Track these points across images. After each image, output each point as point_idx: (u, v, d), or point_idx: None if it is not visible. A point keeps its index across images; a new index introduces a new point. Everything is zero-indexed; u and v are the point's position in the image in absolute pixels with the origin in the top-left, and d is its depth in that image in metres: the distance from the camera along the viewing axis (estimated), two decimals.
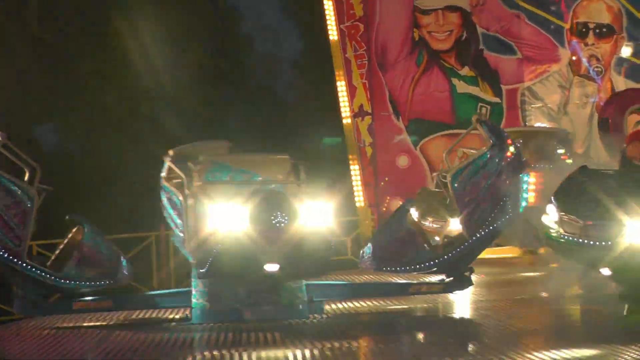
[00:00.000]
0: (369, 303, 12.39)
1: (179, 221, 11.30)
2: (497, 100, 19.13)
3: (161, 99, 25.87)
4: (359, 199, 18.51)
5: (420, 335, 10.51)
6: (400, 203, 13.15)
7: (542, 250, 14.14)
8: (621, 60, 18.27)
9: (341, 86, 19.39)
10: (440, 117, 19.03)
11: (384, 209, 17.86)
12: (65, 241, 11.80)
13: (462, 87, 19.22)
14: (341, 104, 19.37)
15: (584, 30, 18.59)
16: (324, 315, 11.37)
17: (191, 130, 25.43)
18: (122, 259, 11.89)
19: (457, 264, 11.76)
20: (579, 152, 15.80)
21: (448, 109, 19.17)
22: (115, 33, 26.09)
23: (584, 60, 18.38)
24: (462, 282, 11.62)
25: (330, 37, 19.52)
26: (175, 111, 25.90)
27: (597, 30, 18.51)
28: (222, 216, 10.74)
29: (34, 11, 26.87)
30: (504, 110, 19.01)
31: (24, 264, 10.76)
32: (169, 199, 11.61)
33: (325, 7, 19.51)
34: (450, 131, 18.51)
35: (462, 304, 13.02)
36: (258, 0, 43.11)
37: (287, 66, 33.44)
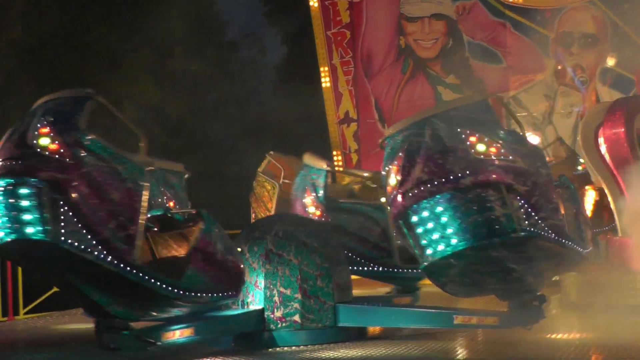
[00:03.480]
0: None
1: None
2: None
3: (145, 105, 25.84)
4: None
5: None
6: None
7: None
8: (606, 71, 18.31)
9: (327, 93, 19.51)
10: None
11: None
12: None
13: (447, 95, 19.23)
14: (327, 111, 19.50)
15: (568, 40, 18.65)
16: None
17: (175, 137, 25.51)
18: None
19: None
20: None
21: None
22: (98, 38, 26.16)
23: (569, 69, 18.46)
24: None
25: (317, 44, 19.64)
26: (159, 117, 25.90)
27: (582, 40, 18.57)
28: None
29: (17, 15, 26.99)
30: None
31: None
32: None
33: (312, 13, 19.64)
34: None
35: None
36: (243, 7, 43.25)
37: (272, 72, 33.56)
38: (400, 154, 8.80)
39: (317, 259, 10.27)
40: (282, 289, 10.02)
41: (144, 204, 8.96)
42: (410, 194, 8.44)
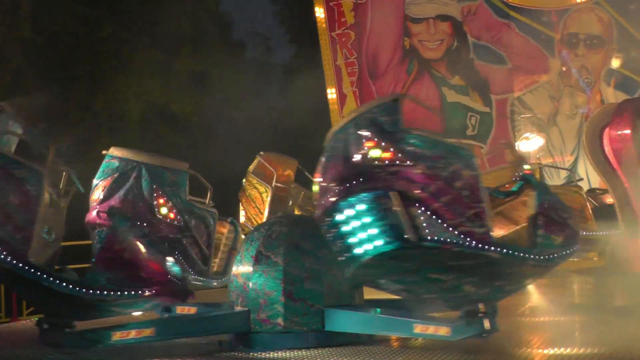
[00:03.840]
0: None
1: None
2: (486, 110, 19.26)
3: (152, 104, 25.85)
4: None
5: None
6: None
7: None
8: (611, 72, 18.26)
9: (331, 94, 19.55)
10: (429, 125, 18.55)
11: None
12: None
13: (452, 96, 19.36)
14: (331, 112, 19.51)
15: (574, 41, 18.65)
16: None
17: (183, 136, 25.50)
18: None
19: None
20: (568, 162, 16.02)
21: (438, 118, 18.77)
22: (107, 37, 26.27)
23: (574, 71, 18.45)
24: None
25: (322, 45, 19.68)
26: (165, 116, 25.93)
27: (588, 42, 18.56)
28: None
29: (27, 14, 26.76)
30: (494, 120, 19.15)
31: None
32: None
33: (317, 14, 19.73)
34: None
35: None
36: (250, 7, 43.33)
37: (278, 72, 33.55)
38: (321, 159, 8.96)
39: (306, 261, 9.88)
40: (267, 291, 9.98)
41: (40, 207, 9.23)
42: (319, 203, 8.54)
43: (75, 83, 26.08)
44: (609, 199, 13.45)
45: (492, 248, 8.30)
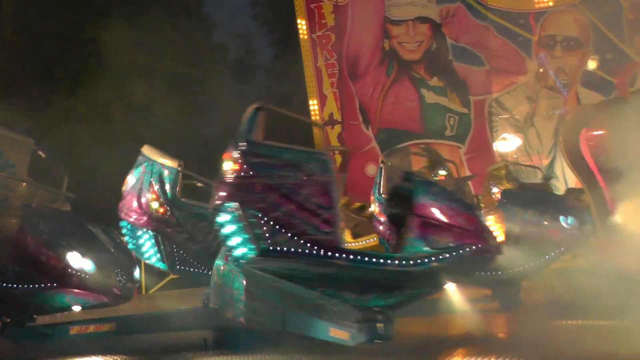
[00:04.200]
0: None
1: None
2: (465, 110, 19.32)
3: (135, 105, 25.84)
4: None
5: None
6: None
7: None
8: (587, 73, 18.39)
9: (312, 94, 19.61)
10: (409, 126, 19.21)
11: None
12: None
13: (431, 97, 19.40)
14: (312, 112, 19.54)
15: (551, 43, 18.76)
16: None
17: (165, 137, 25.53)
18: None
19: None
20: (544, 163, 15.93)
21: (417, 118, 19.37)
22: (89, 39, 26.12)
23: (551, 72, 18.57)
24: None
25: (302, 46, 19.73)
26: (148, 118, 25.95)
27: (565, 43, 18.67)
28: None
29: (8, 15, 26.67)
30: (472, 121, 19.23)
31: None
32: None
33: (297, 16, 19.73)
34: (419, 140, 18.68)
35: None
36: (231, 9, 43.33)
37: (259, 74, 33.70)
38: None
39: None
40: (233, 290, 9.91)
41: None
42: None
43: (57, 84, 26.05)
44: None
45: (338, 255, 8.61)
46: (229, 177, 8.52)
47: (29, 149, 12.65)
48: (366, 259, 8.82)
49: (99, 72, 25.35)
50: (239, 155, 8.88)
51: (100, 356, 9.92)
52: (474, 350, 8.57)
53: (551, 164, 14.74)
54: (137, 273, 11.21)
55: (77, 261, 10.35)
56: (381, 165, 12.59)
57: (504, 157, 17.13)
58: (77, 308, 10.74)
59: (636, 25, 17.78)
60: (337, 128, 19.43)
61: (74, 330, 10.71)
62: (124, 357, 9.77)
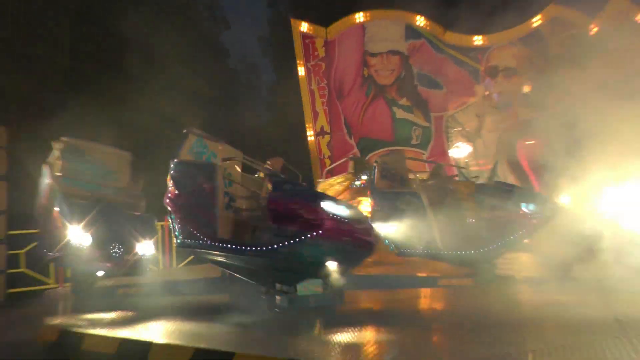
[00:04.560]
0: None
1: None
2: (427, 124, 19.31)
3: (168, 118, 25.51)
4: None
5: None
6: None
7: None
8: (524, 95, 18.39)
9: (307, 111, 19.51)
10: (383, 136, 19.24)
11: None
12: None
13: (400, 113, 19.41)
14: (307, 125, 19.50)
15: (494, 71, 18.90)
16: None
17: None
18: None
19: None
20: (488, 166, 15.28)
21: (389, 130, 19.35)
22: (123, 60, 25.48)
23: (495, 95, 18.68)
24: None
25: (299, 73, 19.62)
26: (172, 129, 25.71)
27: (505, 72, 18.80)
28: None
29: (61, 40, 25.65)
30: (432, 133, 19.23)
31: None
32: None
33: (295, 49, 19.64)
34: (391, 147, 18.79)
35: None
36: (243, 42, 43.22)
37: (265, 94, 33.79)
38: None
39: None
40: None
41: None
42: None
43: (88, 100, 25.52)
44: None
45: (216, 244, 9.44)
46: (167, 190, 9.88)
47: (127, 161, 13.03)
48: (230, 246, 9.49)
49: (144, 92, 24.55)
50: (169, 174, 10.09)
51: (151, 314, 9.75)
52: (439, 320, 8.61)
53: (495, 166, 14.76)
54: None
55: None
56: (375, 164, 12.91)
57: (457, 161, 16.98)
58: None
59: (561, 57, 17.59)
60: (327, 138, 19.32)
61: None
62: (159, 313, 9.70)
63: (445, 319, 8.89)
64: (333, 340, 7.48)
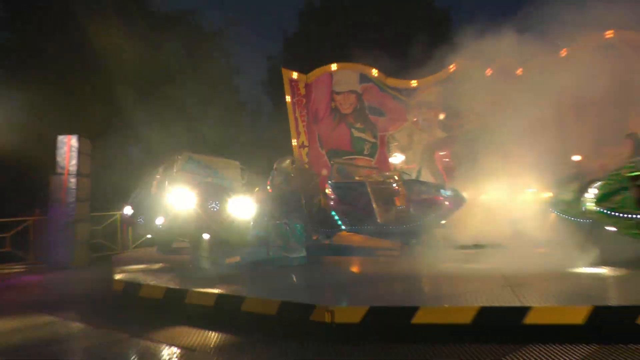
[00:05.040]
0: None
1: None
2: (375, 141, 19.49)
3: (188, 137, 24.39)
4: None
5: None
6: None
7: None
8: (440, 121, 18.71)
9: (292, 131, 19.80)
10: (344, 148, 19.45)
11: None
12: None
13: (356, 133, 19.61)
14: (292, 141, 19.75)
15: (420, 104, 19.17)
16: None
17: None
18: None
19: None
20: (414, 167, 15.17)
21: (349, 144, 19.57)
22: (163, 98, 24.84)
23: (420, 120, 19.02)
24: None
25: (287, 105, 19.86)
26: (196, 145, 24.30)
27: (427, 105, 19.02)
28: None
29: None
30: (378, 146, 19.41)
31: None
32: None
33: (285, 88, 19.85)
34: (350, 156, 18.90)
35: None
36: (249, 84, 43.17)
37: (264, 119, 33.97)
38: None
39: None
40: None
41: None
42: None
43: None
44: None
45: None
46: None
47: (236, 167, 12.32)
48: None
49: (169, 118, 24.31)
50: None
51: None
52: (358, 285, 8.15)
53: (420, 169, 14.86)
54: None
55: None
56: (332, 164, 13.47)
57: (395, 166, 17.03)
58: None
59: (465, 95, 17.92)
60: (306, 149, 19.59)
61: None
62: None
63: (378, 276, 8.59)
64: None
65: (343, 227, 11.53)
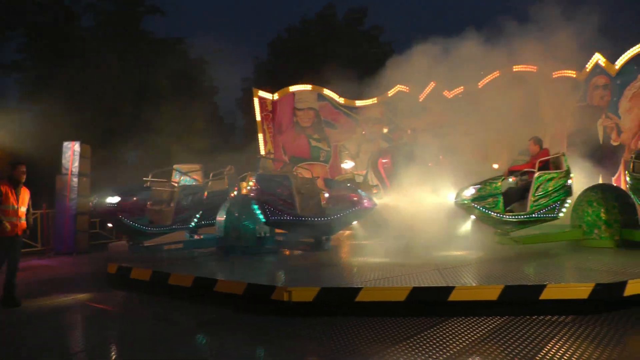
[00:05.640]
0: None
1: None
2: (329, 149, 19.49)
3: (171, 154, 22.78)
4: None
5: None
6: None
7: None
8: (383, 134, 18.79)
9: (261, 141, 19.61)
10: (303, 156, 19.33)
11: None
12: None
13: (314, 143, 19.56)
14: (261, 149, 19.56)
15: (366, 120, 19.30)
16: None
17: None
18: None
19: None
20: (363, 173, 15.40)
21: (307, 152, 19.47)
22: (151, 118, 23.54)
23: (367, 133, 19.07)
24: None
25: (257, 119, 19.69)
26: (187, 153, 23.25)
27: (372, 120, 19.15)
28: None
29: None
30: (331, 154, 19.41)
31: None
32: None
33: (255, 105, 19.70)
34: (307, 163, 18.76)
35: None
36: (226, 101, 42.86)
37: (239, 132, 33.85)
38: None
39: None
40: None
41: None
42: None
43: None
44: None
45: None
46: None
47: (200, 170, 12.52)
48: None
49: (160, 129, 23.09)
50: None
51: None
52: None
53: (366, 173, 14.93)
54: None
55: None
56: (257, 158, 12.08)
57: (345, 171, 17.03)
58: None
59: (402, 113, 18.15)
60: (272, 156, 19.30)
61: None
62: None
63: (326, 263, 8.41)
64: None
65: (262, 219, 10.08)
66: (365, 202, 10.31)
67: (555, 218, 8.66)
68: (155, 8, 28.39)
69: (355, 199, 10.20)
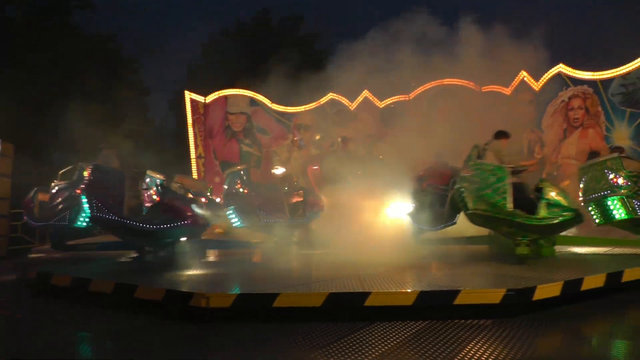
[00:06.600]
0: None
1: None
2: (260, 154, 19.41)
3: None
4: None
5: None
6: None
7: None
8: (314, 141, 18.85)
9: (192, 144, 19.44)
10: (234, 160, 19.06)
11: None
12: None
13: (245, 148, 19.45)
14: (191, 152, 19.39)
15: (298, 126, 19.23)
16: None
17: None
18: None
19: None
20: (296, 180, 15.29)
21: (238, 157, 19.31)
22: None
23: (298, 140, 19.01)
24: None
25: (188, 122, 19.53)
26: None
27: (304, 127, 19.10)
28: None
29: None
30: (263, 160, 19.31)
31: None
32: None
33: (186, 108, 19.55)
34: (241, 167, 17.79)
35: None
36: (157, 103, 41.74)
37: (168, 137, 33.02)
38: None
39: None
40: None
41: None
42: None
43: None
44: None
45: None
46: None
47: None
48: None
49: (87, 129, 22.32)
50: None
51: None
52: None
53: (298, 180, 14.95)
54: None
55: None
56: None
57: (277, 177, 16.57)
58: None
59: (336, 122, 18.35)
60: (202, 160, 19.17)
61: None
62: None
63: (244, 268, 8.64)
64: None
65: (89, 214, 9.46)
66: (198, 219, 9.56)
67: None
68: (87, 3, 27.46)
69: (188, 212, 9.31)
